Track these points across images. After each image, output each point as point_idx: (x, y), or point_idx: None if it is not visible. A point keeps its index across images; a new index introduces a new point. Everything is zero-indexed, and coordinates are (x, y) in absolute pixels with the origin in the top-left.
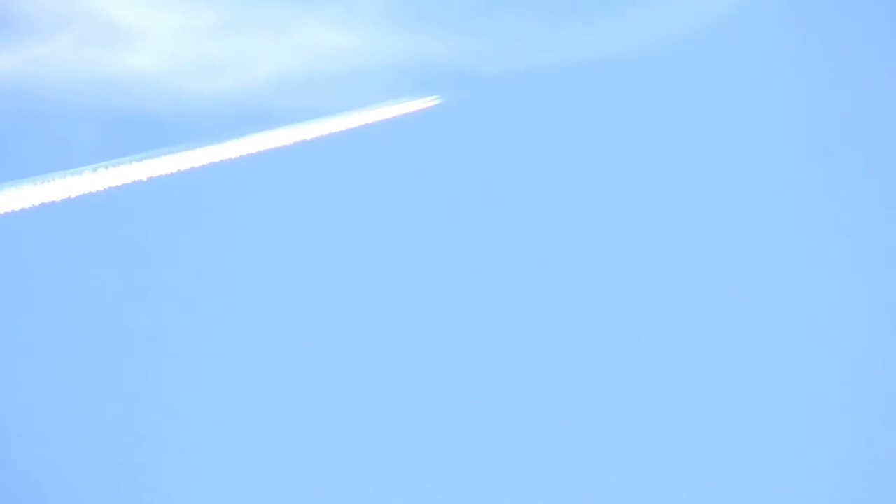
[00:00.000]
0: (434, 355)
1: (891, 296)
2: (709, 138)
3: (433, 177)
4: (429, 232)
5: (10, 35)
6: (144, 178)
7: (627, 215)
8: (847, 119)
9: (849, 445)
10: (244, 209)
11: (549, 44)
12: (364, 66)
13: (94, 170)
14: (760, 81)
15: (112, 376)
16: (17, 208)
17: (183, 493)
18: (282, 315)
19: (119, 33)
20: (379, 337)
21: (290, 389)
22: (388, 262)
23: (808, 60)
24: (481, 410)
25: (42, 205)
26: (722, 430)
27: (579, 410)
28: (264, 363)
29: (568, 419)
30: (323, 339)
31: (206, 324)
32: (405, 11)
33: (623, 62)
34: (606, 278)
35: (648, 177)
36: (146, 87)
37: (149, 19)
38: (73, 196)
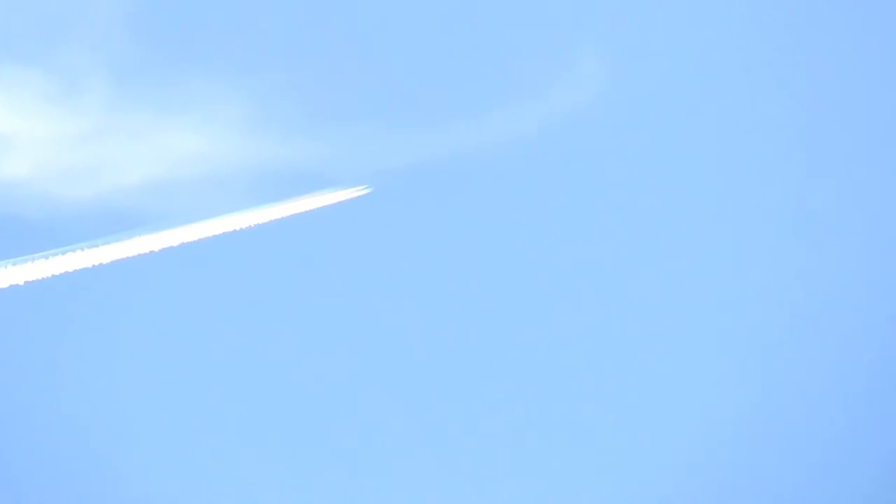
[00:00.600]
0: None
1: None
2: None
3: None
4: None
5: None
6: (21, 282)
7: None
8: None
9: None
10: (121, 311)
11: (389, 148)
12: (222, 169)
13: None
14: (589, 178)
15: None
16: None
17: None
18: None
19: None
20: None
21: None
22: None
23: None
24: None
25: None
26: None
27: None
28: None
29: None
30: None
31: (59, 428)
32: (259, 119)
33: (455, 162)
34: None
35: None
36: (18, 193)
37: (19, 127)
38: None
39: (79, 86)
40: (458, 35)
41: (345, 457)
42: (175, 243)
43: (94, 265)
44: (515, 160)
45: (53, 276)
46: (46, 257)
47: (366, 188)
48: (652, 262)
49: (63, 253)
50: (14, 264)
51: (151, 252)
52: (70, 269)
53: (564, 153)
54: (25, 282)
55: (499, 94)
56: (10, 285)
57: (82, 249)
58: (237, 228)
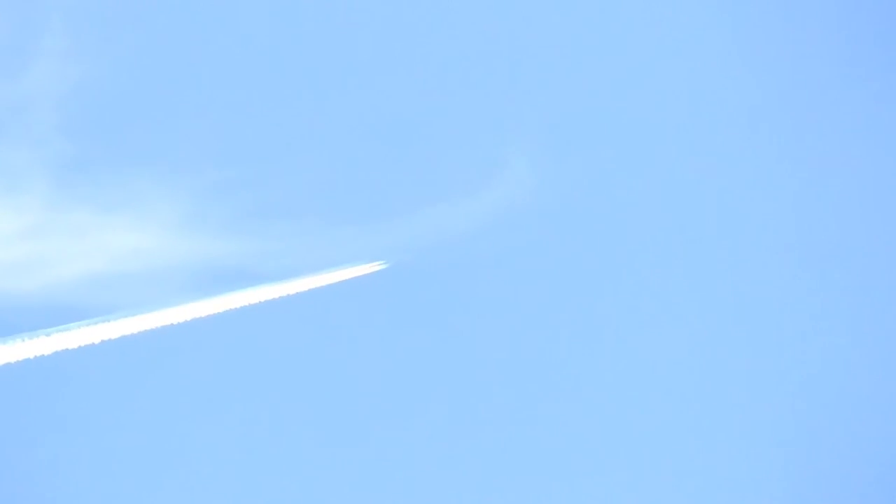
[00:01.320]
0: None
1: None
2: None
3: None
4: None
5: None
6: None
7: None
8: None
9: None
10: (63, 399)
11: (322, 245)
12: (158, 264)
13: None
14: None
15: None
16: None
17: None
18: None
19: None
20: None
21: None
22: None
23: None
24: None
25: None
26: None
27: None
28: None
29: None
30: None
31: None
32: (193, 216)
33: (390, 255)
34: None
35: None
36: None
37: None
38: None
39: (19, 183)
40: (391, 137)
41: None
42: (115, 335)
43: (35, 356)
44: (451, 255)
45: None
46: None
47: (382, 264)
48: (575, 349)
49: (5, 343)
50: None
51: (92, 343)
52: (11, 360)
53: (497, 248)
54: None
55: (430, 193)
56: None
57: (24, 340)
58: (174, 321)
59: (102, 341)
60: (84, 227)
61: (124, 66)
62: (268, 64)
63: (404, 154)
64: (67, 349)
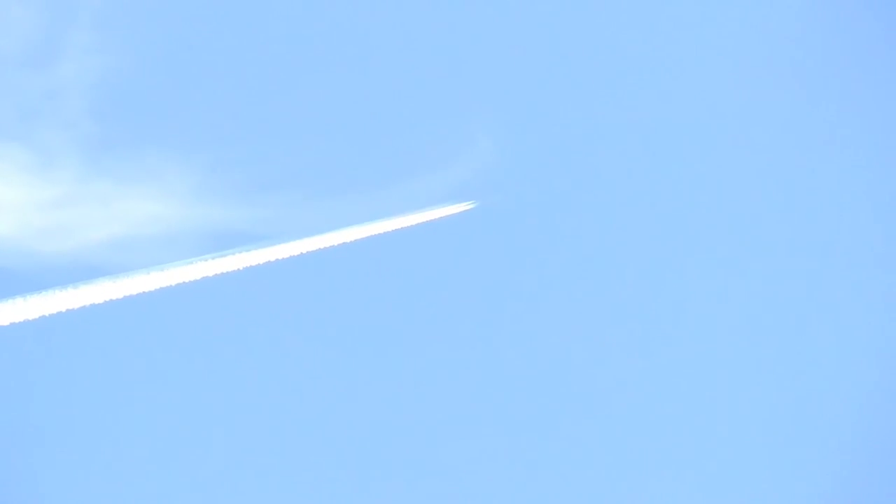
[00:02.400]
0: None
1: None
2: None
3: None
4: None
5: None
6: (4, 323)
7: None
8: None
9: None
10: (91, 352)
11: (314, 213)
12: (174, 229)
13: None
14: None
15: None
16: None
17: None
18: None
19: None
20: None
21: None
22: None
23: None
24: None
25: None
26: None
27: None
28: None
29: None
30: None
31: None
32: (203, 188)
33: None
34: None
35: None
36: (2, 248)
37: (3, 194)
38: None
39: (53, 160)
40: (372, 120)
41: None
42: (135, 291)
43: (66, 309)
44: (424, 229)
45: (32, 318)
46: (25, 300)
47: (472, 203)
48: (541, 327)
49: (41, 296)
50: None
51: (115, 299)
52: (46, 313)
53: (460, 222)
54: (9, 323)
55: (407, 167)
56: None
57: (57, 294)
58: (188, 279)
59: (126, 296)
60: (109, 197)
61: (144, 58)
62: (268, 56)
63: (377, 134)
64: (95, 303)
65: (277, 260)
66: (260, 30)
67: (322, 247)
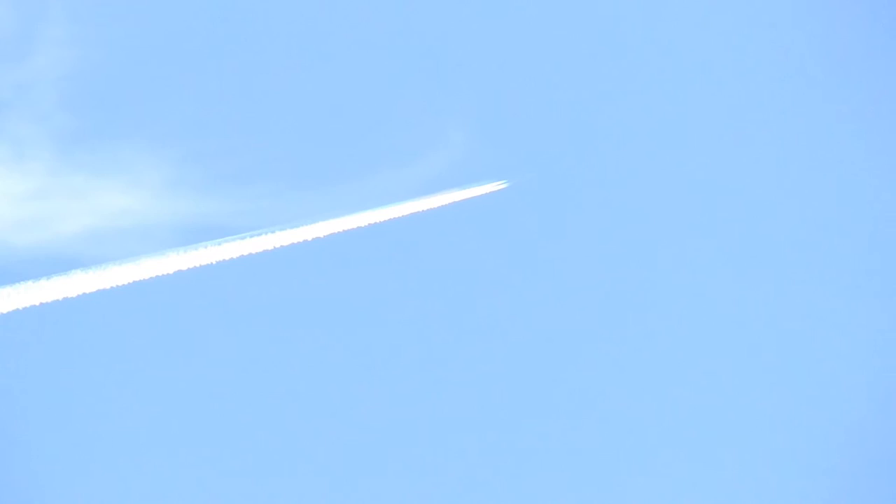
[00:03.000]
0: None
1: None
2: None
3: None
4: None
5: None
6: None
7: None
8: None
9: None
10: (61, 345)
11: (284, 206)
12: (146, 222)
13: None
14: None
15: None
16: None
17: None
18: None
19: None
20: None
21: None
22: None
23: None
24: None
25: None
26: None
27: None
28: None
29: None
30: None
31: None
32: (178, 181)
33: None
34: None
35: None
36: None
37: None
38: None
39: (25, 152)
40: (346, 113)
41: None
42: (109, 284)
43: (39, 302)
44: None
45: (4, 311)
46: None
47: (504, 183)
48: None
49: (13, 288)
50: None
51: (89, 292)
52: (19, 306)
53: (433, 214)
54: None
55: (380, 160)
56: None
57: (30, 286)
58: (162, 271)
59: (99, 289)
60: (81, 190)
61: (116, 50)
62: (241, 49)
63: (351, 127)
64: (68, 296)
65: (252, 253)
66: (233, 22)
67: (297, 239)
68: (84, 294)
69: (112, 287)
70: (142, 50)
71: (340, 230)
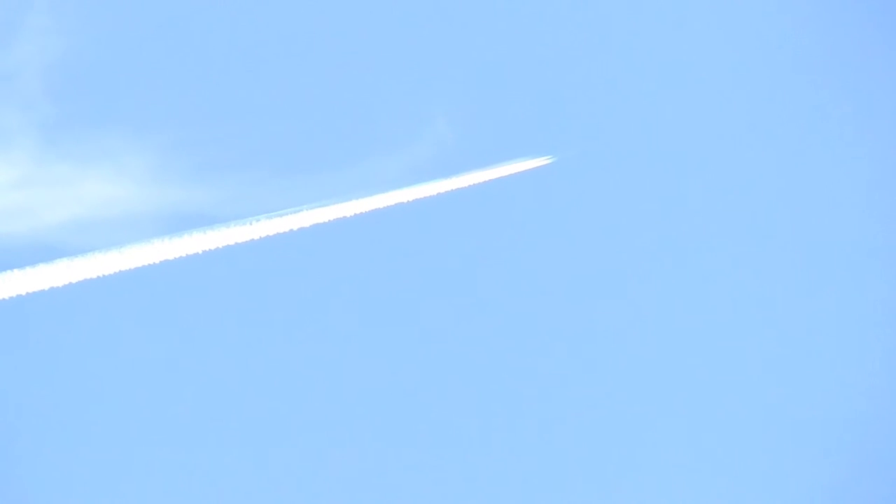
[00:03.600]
0: None
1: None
2: None
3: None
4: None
5: None
6: None
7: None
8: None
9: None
10: (50, 332)
11: (272, 194)
12: (132, 210)
13: None
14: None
15: None
16: None
17: None
18: None
19: None
20: None
21: None
22: None
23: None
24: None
25: None
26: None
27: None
28: None
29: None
30: None
31: None
32: (163, 170)
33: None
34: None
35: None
36: None
37: None
38: None
39: (10, 141)
40: (329, 102)
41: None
42: (94, 273)
43: (25, 292)
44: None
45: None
46: None
47: (550, 158)
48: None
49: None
50: None
51: (74, 280)
52: (4, 295)
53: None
54: None
55: (365, 148)
56: None
57: (15, 275)
58: (148, 260)
59: (85, 278)
60: (66, 179)
61: (101, 39)
62: (225, 36)
63: (336, 115)
64: (53, 285)
65: (239, 241)
66: (218, 10)
67: (285, 227)
68: (70, 283)
69: (98, 276)
70: (126, 38)
71: (328, 219)
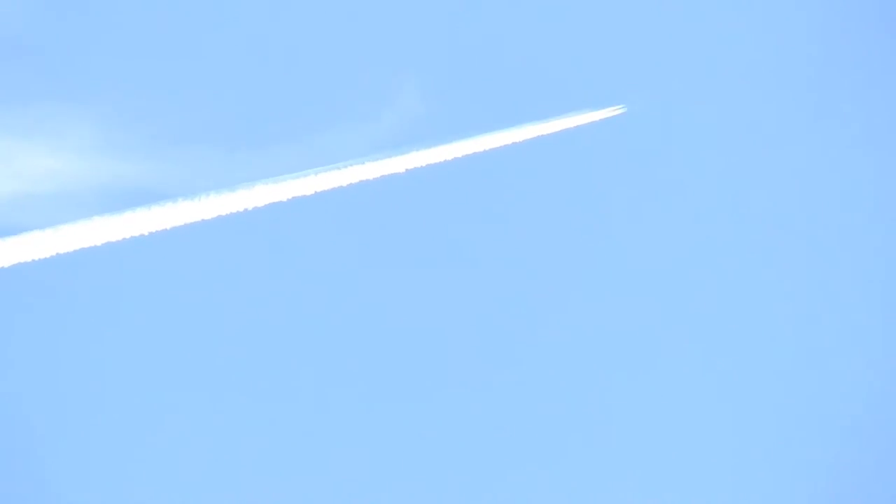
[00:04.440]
0: None
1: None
2: None
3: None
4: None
5: None
6: None
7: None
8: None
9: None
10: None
11: (222, 169)
12: (72, 185)
13: None
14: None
15: None
16: None
17: None
18: None
19: None
20: None
21: None
22: None
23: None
24: None
25: None
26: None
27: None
28: None
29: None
30: None
31: None
32: (102, 142)
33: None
34: None
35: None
36: None
37: None
38: None
39: None
40: (291, 68)
41: None
42: (33, 252)
43: None
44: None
45: None
46: None
47: (621, 107)
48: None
49: None
50: None
51: (11, 261)
52: None
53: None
54: None
55: (328, 120)
56: None
57: None
58: (91, 239)
59: (23, 258)
60: (2, 153)
61: (37, 6)
62: (174, 2)
63: (296, 84)
64: None
65: (190, 220)
66: None
67: (240, 205)
68: (4, 266)
69: (36, 258)
70: (64, 8)
71: (286, 196)
